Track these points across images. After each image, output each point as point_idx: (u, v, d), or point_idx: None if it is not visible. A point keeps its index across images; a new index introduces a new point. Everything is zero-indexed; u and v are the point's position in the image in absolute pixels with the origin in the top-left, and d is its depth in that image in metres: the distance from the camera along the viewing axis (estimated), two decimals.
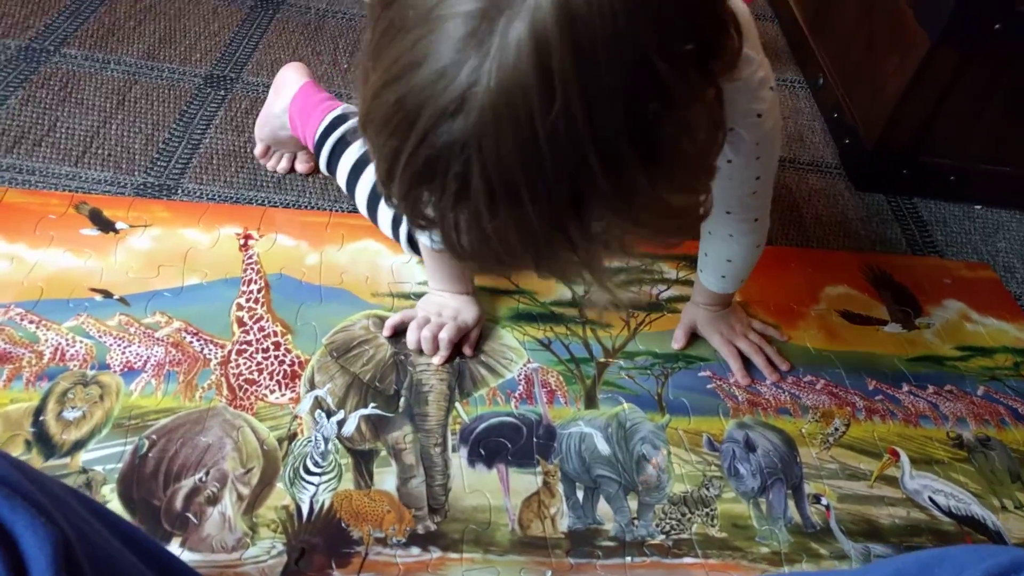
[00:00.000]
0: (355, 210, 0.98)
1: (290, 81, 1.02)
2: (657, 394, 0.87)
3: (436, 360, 0.85)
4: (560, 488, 0.76)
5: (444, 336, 0.85)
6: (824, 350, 0.95)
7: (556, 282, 0.97)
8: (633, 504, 0.76)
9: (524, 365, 0.87)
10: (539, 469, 0.78)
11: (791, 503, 0.79)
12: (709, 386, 0.89)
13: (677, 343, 0.92)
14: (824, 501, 0.79)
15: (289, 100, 1.00)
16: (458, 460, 0.77)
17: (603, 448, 0.80)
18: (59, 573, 0.37)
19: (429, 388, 0.83)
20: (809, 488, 0.80)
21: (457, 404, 0.82)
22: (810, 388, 0.90)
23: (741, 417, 0.86)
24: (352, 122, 0.96)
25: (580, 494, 0.76)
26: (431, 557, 0.70)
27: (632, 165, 0.39)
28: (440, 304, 0.88)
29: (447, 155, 0.37)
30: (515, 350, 0.88)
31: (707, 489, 0.79)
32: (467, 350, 0.87)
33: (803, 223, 1.14)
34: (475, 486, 0.75)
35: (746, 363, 0.91)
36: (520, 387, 0.85)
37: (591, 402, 0.85)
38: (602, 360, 0.89)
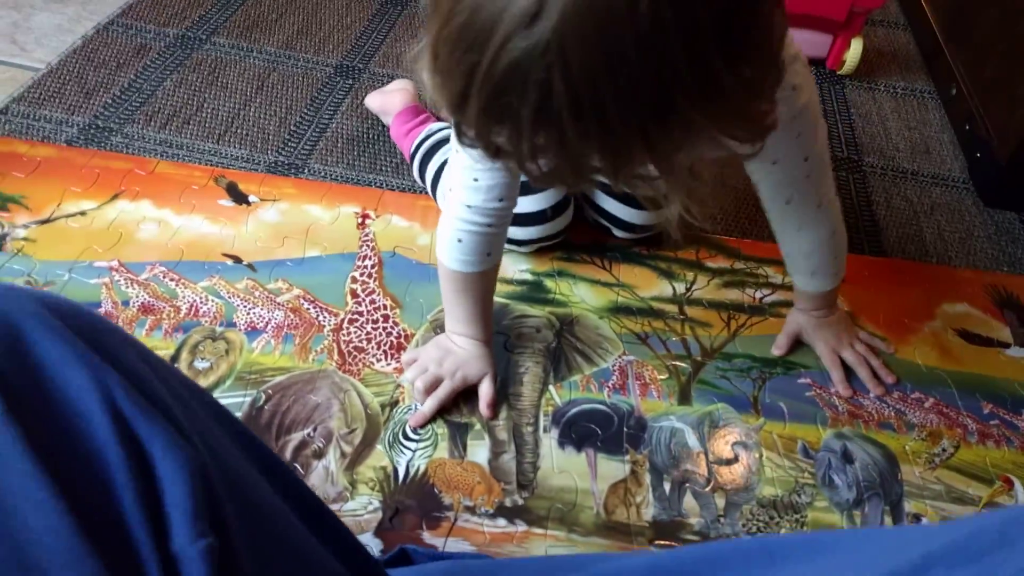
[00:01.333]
0: None
1: (394, 104, 1.10)
2: (753, 397, 0.86)
3: (412, 422, 0.78)
4: (647, 478, 0.77)
5: (437, 394, 0.79)
6: (936, 368, 0.91)
7: (657, 277, 0.98)
8: (720, 502, 0.76)
9: (619, 356, 0.88)
10: (627, 458, 0.79)
11: (888, 520, 0.76)
12: (808, 393, 0.87)
13: (779, 349, 0.90)
14: (925, 522, 0.76)
15: (391, 122, 1.09)
16: (548, 441, 0.79)
17: (694, 444, 0.81)
18: (197, 508, 0.33)
19: (525, 370, 0.85)
20: (909, 507, 0.77)
21: (551, 387, 0.84)
22: (917, 405, 0.87)
23: (840, 427, 0.84)
24: (440, 135, 1.00)
25: (667, 486, 0.77)
26: (516, 530, 0.72)
27: (716, 62, 0.38)
28: (445, 351, 0.81)
29: (527, 62, 0.36)
30: (611, 341, 0.90)
31: (798, 495, 0.77)
32: (485, 411, 0.80)
33: (922, 237, 1.09)
34: (563, 467, 0.77)
35: (849, 374, 0.88)
36: (614, 377, 0.86)
37: (684, 399, 0.85)
38: (699, 359, 0.89)
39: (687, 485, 0.77)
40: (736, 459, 0.80)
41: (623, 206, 0.96)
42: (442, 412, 0.80)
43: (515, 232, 0.93)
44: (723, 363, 0.89)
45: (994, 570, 0.35)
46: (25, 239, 0.92)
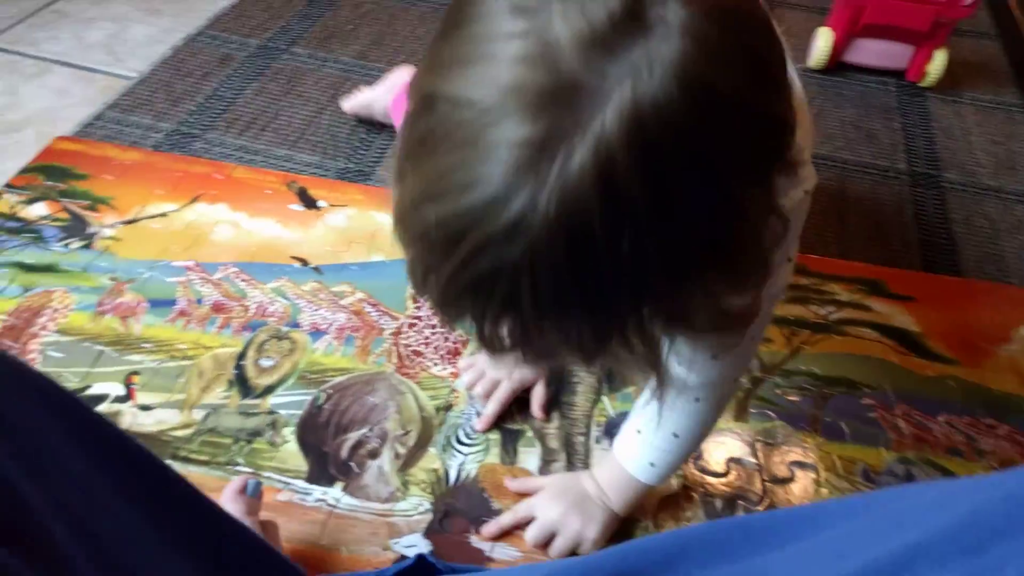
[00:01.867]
0: None
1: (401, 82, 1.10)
2: (813, 415, 0.84)
3: (479, 425, 0.80)
4: (699, 495, 0.76)
5: (497, 396, 0.80)
6: (1012, 394, 0.86)
7: None
8: None
9: None
10: (679, 473, 0.78)
11: None
12: (871, 414, 0.84)
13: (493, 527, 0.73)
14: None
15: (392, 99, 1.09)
16: (600, 451, 0.79)
17: (748, 462, 0.79)
18: None
19: (579, 379, 0.85)
20: None
21: (604, 397, 0.84)
22: (989, 432, 0.83)
23: (904, 452, 0.81)
24: None
25: (718, 503, 0.76)
26: None
27: (698, 278, 0.36)
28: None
29: (493, 278, 0.34)
30: None
31: None
32: (537, 412, 0.81)
33: (1003, 257, 1.05)
34: None
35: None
36: None
37: (741, 414, 0.83)
38: (758, 375, 0.88)
39: (740, 503, 0.76)
40: (792, 479, 0.78)
41: None
42: (498, 418, 0.81)
43: None
44: (783, 380, 0.87)
45: (1001, 567, 0.30)
46: (112, 238, 0.98)
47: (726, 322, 0.41)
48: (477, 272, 0.34)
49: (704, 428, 0.66)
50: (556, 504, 0.71)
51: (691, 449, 0.69)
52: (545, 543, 0.71)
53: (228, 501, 0.66)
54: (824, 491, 0.77)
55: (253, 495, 0.68)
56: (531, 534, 0.71)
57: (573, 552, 0.70)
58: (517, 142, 0.32)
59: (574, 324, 0.37)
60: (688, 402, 0.63)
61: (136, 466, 0.49)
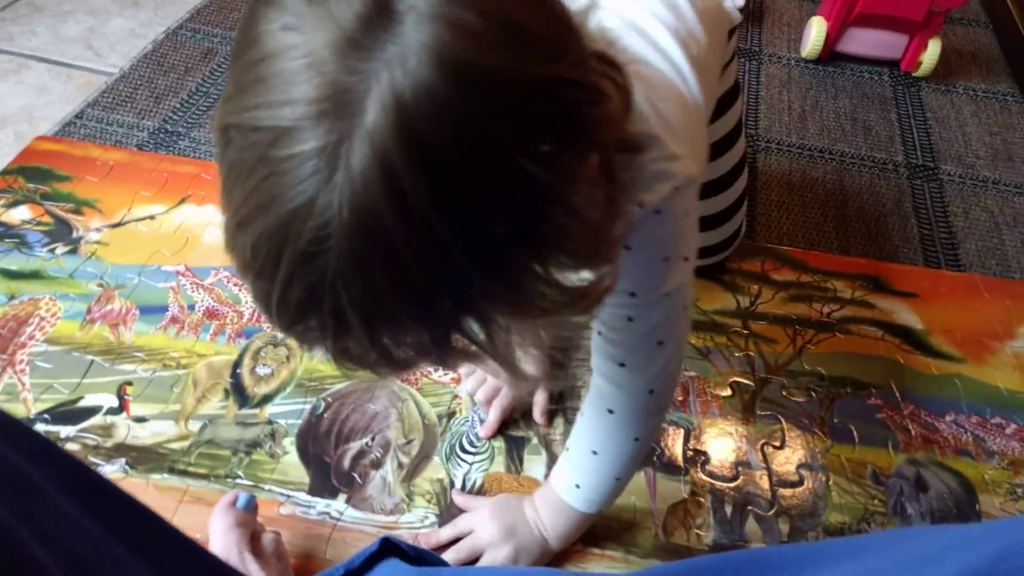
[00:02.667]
0: None
1: None
2: (820, 417, 0.83)
3: (482, 432, 0.79)
4: (708, 500, 0.75)
5: (499, 403, 0.79)
6: (1019, 392, 0.86)
7: (721, 289, 0.95)
8: (784, 527, 0.74)
9: (681, 372, 0.86)
10: (687, 478, 0.77)
11: None
12: (878, 415, 0.84)
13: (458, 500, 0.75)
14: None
15: None
16: None
17: (757, 466, 0.78)
18: None
19: (583, 383, 0.84)
20: None
21: None
22: (998, 431, 0.82)
23: (913, 453, 0.80)
24: None
25: (728, 509, 0.75)
26: (573, 548, 0.71)
27: (516, 262, 0.36)
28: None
29: (316, 294, 0.35)
30: None
31: (867, 524, 0.74)
32: (539, 418, 0.80)
33: (1004, 251, 1.04)
34: None
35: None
36: (675, 394, 0.84)
37: (748, 418, 0.83)
38: (763, 376, 0.87)
39: (749, 508, 0.75)
40: (801, 482, 0.77)
41: None
42: (501, 425, 0.79)
43: None
44: (789, 380, 0.86)
45: None
46: (98, 242, 0.94)
47: (578, 301, 0.40)
48: (300, 290, 0.35)
49: (622, 447, 0.64)
50: (493, 525, 0.69)
51: (614, 473, 0.65)
52: (470, 562, 0.69)
53: (219, 514, 0.65)
54: (834, 495, 0.76)
55: (245, 509, 0.66)
56: (460, 551, 0.69)
57: None
58: (303, 155, 0.32)
59: (408, 331, 0.37)
60: (602, 415, 0.63)
61: (122, 507, 0.48)
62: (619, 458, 0.64)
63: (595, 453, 0.64)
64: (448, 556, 0.69)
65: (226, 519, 0.64)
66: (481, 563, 0.68)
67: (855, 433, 0.82)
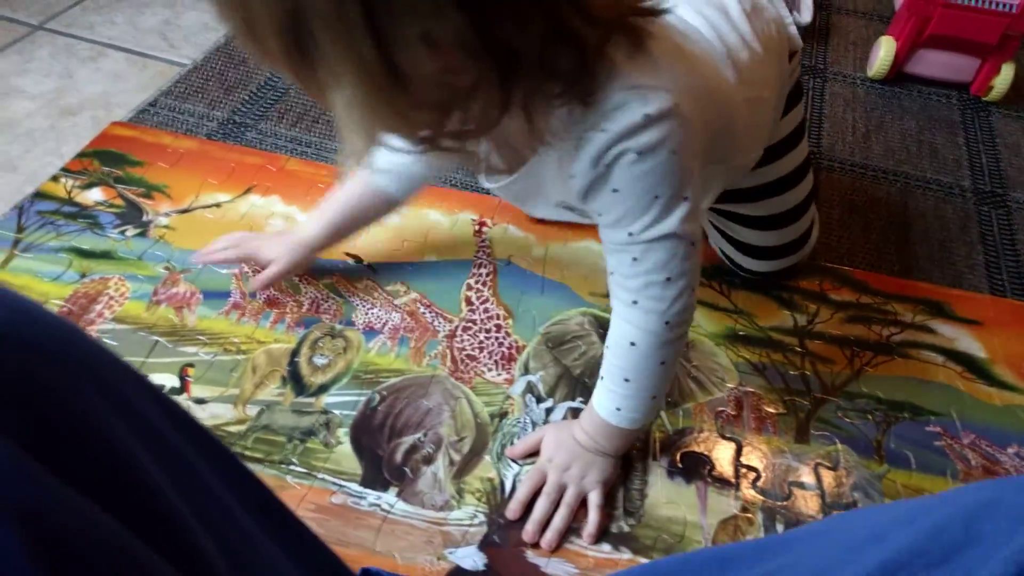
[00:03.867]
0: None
1: None
2: (876, 441, 0.81)
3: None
4: (759, 517, 0.74)
5: (226, 253, 0.89)
6: None
7: (778, 307, 0.94)
8: None
9: (735, 387, 0.85)
10: (738, 494, 0.76)
11: None
12: (937, 443, 0.82)
13: (510, 452, 0.78)
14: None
15: None
16: (658, 468, 0.77)
17: (810, 486, 0.77)
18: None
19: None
20: None
21: (662, 413, 0.82)
22: None
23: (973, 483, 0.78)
24: None
25: (780, 527, 0.74)
26: (621, 557, 0.71)
27: (359, 34, 0.43)
28: (271, 235, 0.91)
29: None
30: (727, 370, 0.87)
31: None
32: (251, 284, 0.88)
33: None
34: (672, 498, 0.75)
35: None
36: (728, 408, 0.83)
37: (802, 436, 0.81)
38: (819, 396, 0.85)
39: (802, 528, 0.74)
40: (855, 505, 0.76)
41: (744, 255, 0.94)
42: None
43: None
44: (845, 402, 0.85)
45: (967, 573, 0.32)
46: (166, 227, 0.97)
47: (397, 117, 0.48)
48: None
49: (651, 372, 0.67)
50: (559, 459, 0.73)
51: (650, 393, 0.69)
52: (559, 496, 0.73)
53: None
54: None
55: None
56: (543, 501, 0.72)
57: (583, 501, 0.73)
58: None
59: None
60: (625, 348, 0.67)
61: (251, 485, 0.50)
62: (650, 380, 0.68)
63: (627, 380, 0.68)
64: (537, 512, 0.71)
65: None
66: (567, 494, 0.72)
67: (912, 459, 0.80)
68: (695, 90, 0.60)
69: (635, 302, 0.64)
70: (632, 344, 0.66)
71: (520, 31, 0.47)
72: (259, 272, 0.88)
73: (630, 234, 0.61)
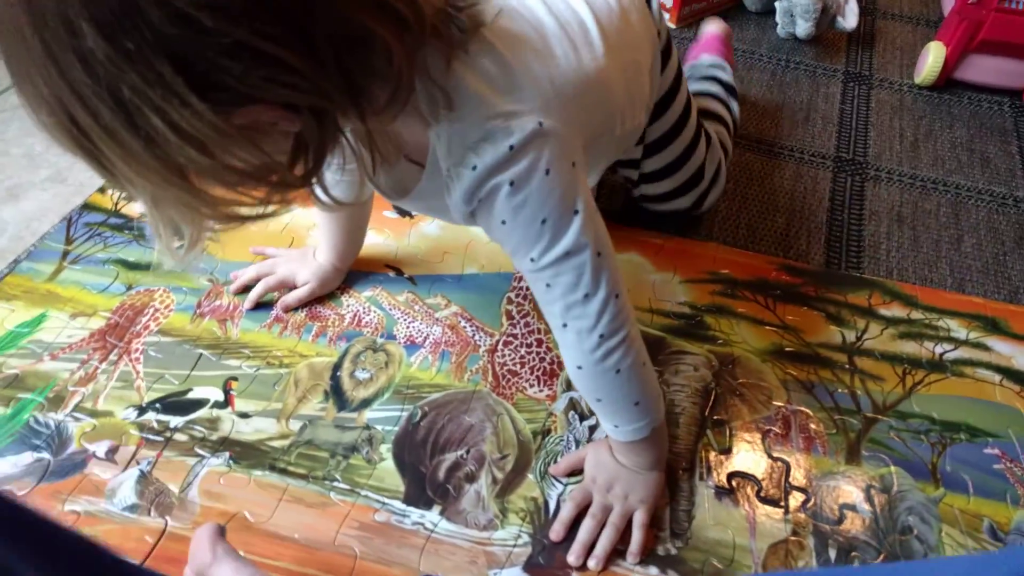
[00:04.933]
0: (630, 225, 1.00)
1: None
2: (931, 463, 0.79)
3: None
4: (811, 542, 0.72)
5: (267, 281, 0.90)
6: None
7: (825, 321, 0.92)
8: None
9: (783, 405, 0.83)
10: (789, 517, 0.74)
11: None
12: (996, 466, 0.79)
13: (555, 469, 0.77)
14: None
15: None
16: (704, 489, 0.76)
17: (863, 510, 0.75)
18: None
19: (681, 410, 0.82)
20: None
21: (708, 431, 0.81)
22: None
23: None
24: None
25: (832, 553, 0.72)
26: None
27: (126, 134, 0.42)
28: (301, 255, 0.92)
29: None
30: (775, 388, 0.85)
31: None
32: (280, 304, 0.89)
33: None
34: (720, 520, 0.74)
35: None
36: (776, 427, 0.81)
37: (853, 457, 0.79)
38: (870, 415, 0.83)
39: (854, 555, 0.72)
40: (911, 530, 0.74)
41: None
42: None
43: None
44: (897, 422, 0.82)
45: None
46: (209, 239, 0.97)
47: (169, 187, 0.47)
48: None
49: (613, 385, 0.66)
50: (601, 479, 0.73)
51: (631, 401, 0.67)
52: (604, 517, 0.72)
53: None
54: (946, 547, 0.72)
55: None
56: (588, 522, 0.71)
57: (629, 520, 0.72)
58: None
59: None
60: (575, 373, 0.67)
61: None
62: (619, 392, 0.67)
63: (599, 400, 0.68)
64: (582, 534, 0.71)
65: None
66: (612, 514, 0.71)
67: (970, 483, 0.77)
68: (560, 90, 0.60)
69: (564, 325, 0.64)
70: (579, 368, 0.66)
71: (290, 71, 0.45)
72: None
73: (532, 260, 0.61)
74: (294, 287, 0.91)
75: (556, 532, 0.72)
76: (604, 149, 0.79)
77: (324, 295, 0.92)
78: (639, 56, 0.75)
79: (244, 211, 0.52)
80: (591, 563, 0.69)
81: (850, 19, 1.38)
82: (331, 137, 0.51)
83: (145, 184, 0.46)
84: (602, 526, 0.71)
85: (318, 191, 0.56)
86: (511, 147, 0.56)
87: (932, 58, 1.29)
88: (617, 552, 0.70)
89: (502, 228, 0.60)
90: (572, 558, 0.69)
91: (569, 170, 0.59)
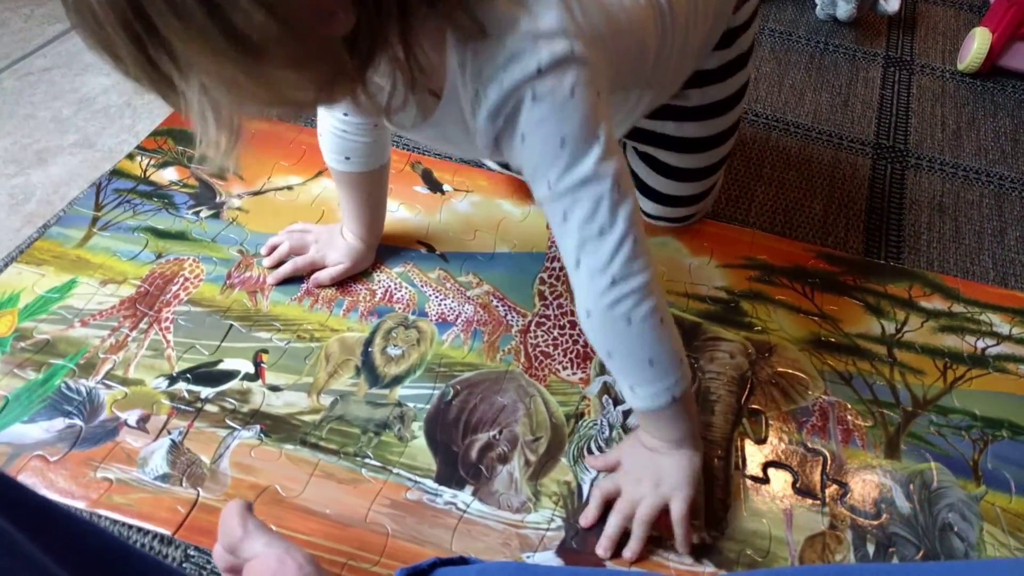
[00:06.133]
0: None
1: None
2: (973, 460, 0.77)
3: (270, 279, 0.88)
4: (848, 535, 0.71)
5: (296, 261, 0.89)
6: None
7: (864, 312, 0.90)
8: None
9: (820, 396, 0.82)
10: (826, 510, 0.73)
11: None
12: None
13: (591, 462, 0.75)
14: None
15: None
16: (740, 479, 0.75)
17: (902, 505, 0.74)
18: None
19: (716, 398, 0.81)
20: None
21: (744, 420, 0.79)
22: None
23: None
24: None
25: (871, 548, 0.71)
26: (704, 570, 0.68)
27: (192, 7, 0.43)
28: (329, 233, 0.91)
29: None
30: (812, 378, 0.83)
31: None
32: (313, 280, 0.89)
33: None
34: (757, 510, 0.72)
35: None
36: (813, 418, 0.80)
37: (892, 452, 0.78)
38: (909, 409, 0.82)
39: (893, 551, 0.71)
40: (951, 529, 0.72)
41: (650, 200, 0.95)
42: (627, 430, 0.77)
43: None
44: (938, 417, 0.81)
45: None
46: (239, 209, 0.97)
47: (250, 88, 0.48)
48: None
49: (623, 339, 0.64)
50: (632, 471, 0.71)
51: (645, 357, 0.64)
52: (631, 511, 0.69)
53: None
54: (988, 547, 0.71)
55: None
56: (614, 517, 0.69)
57: (664, 509, 0.68)
58: None
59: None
60: (585, 322, 0.65)
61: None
62: (630, 345, 0.64)
63: (611, 355, 0.66)
64: (609, 528, 0.68)
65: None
66: (640, 507, 0.68)
67: (1012, 482, 0.76)
68: (595, 27, 0.60)
69: (578, 264, 0.62)
70: (588, 315, 0.64)
71: None
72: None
73: (549, 186, 0.60)
74: (323, 268, 0.89)
75: (586, 518, 0.70)
76: (640, 96, 0.77)
77: (358, 275, 0.90)
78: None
79: (297, 94, 0.52)
80: (625, 554, 0.68)
81: (892, 2, 1.34)
82: (380, 39, 0.52)
83: (201, 62, 0.46)
84: (629, 520, 0.69)
85: (360, 94, 0.56)
86: (539, 68, 0.56)
87: (977, 44, 1.26)
88: (651, 539, 0.69)
89: (522, 146, 0.59)
90: (600, 551, 0.68)
91: (594, 97, 0.58)
